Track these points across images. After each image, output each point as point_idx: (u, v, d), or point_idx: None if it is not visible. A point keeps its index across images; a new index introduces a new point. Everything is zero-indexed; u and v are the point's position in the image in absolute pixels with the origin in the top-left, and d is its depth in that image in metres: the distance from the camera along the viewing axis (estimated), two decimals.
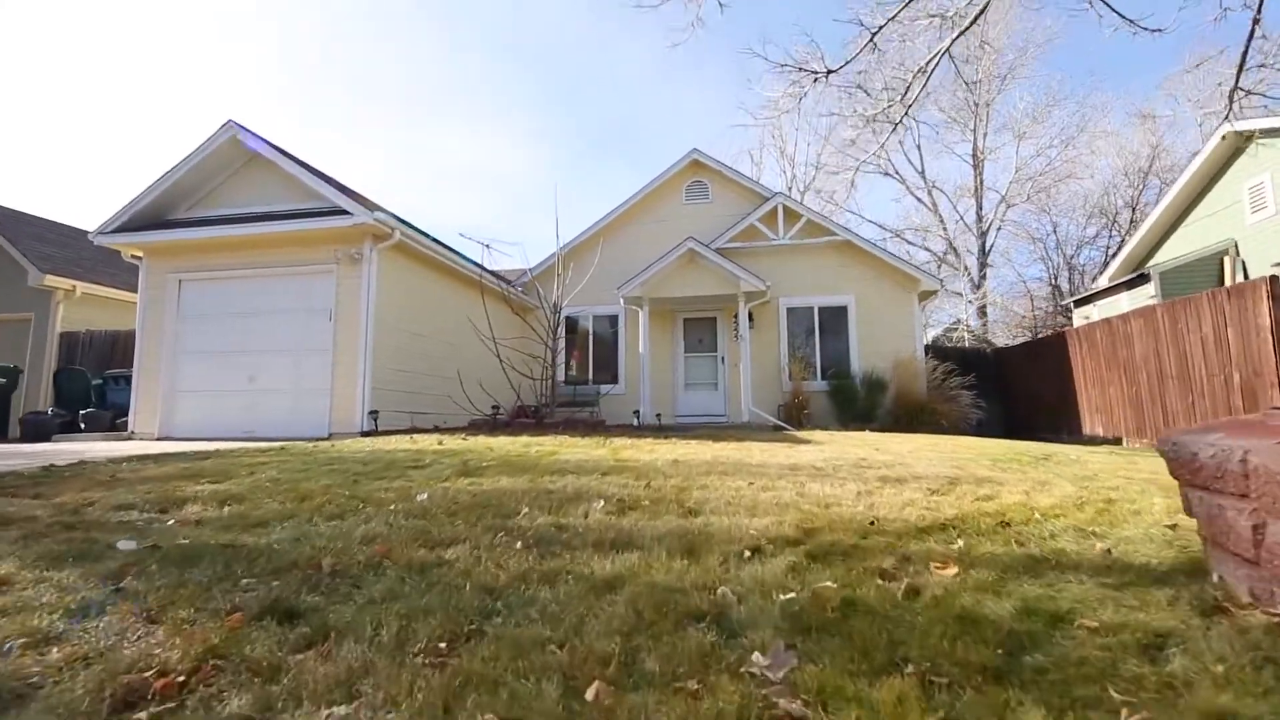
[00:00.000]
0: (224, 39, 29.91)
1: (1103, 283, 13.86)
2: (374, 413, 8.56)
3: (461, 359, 10.62)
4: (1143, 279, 11.26)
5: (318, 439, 8.47)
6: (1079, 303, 14.66)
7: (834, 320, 12.73)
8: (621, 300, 12.32)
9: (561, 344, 13.63)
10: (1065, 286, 26.64)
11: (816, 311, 12.76)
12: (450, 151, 39.47)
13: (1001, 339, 24.59)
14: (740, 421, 11.40)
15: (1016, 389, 12.81)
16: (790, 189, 26.59)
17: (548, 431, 8.03)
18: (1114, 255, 25.86)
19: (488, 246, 14.96)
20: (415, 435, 7.37)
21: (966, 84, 23.74)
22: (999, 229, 25.19)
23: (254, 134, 9.04)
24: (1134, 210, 24.90)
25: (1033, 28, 24.12)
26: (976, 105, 24.56)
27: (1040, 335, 24.67)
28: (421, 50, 35.41)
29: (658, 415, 11.64)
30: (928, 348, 12.82)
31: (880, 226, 26.73)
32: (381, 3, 30.84)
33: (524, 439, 6.32)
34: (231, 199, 9.56)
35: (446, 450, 5.35)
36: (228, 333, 9.24)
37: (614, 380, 13.43)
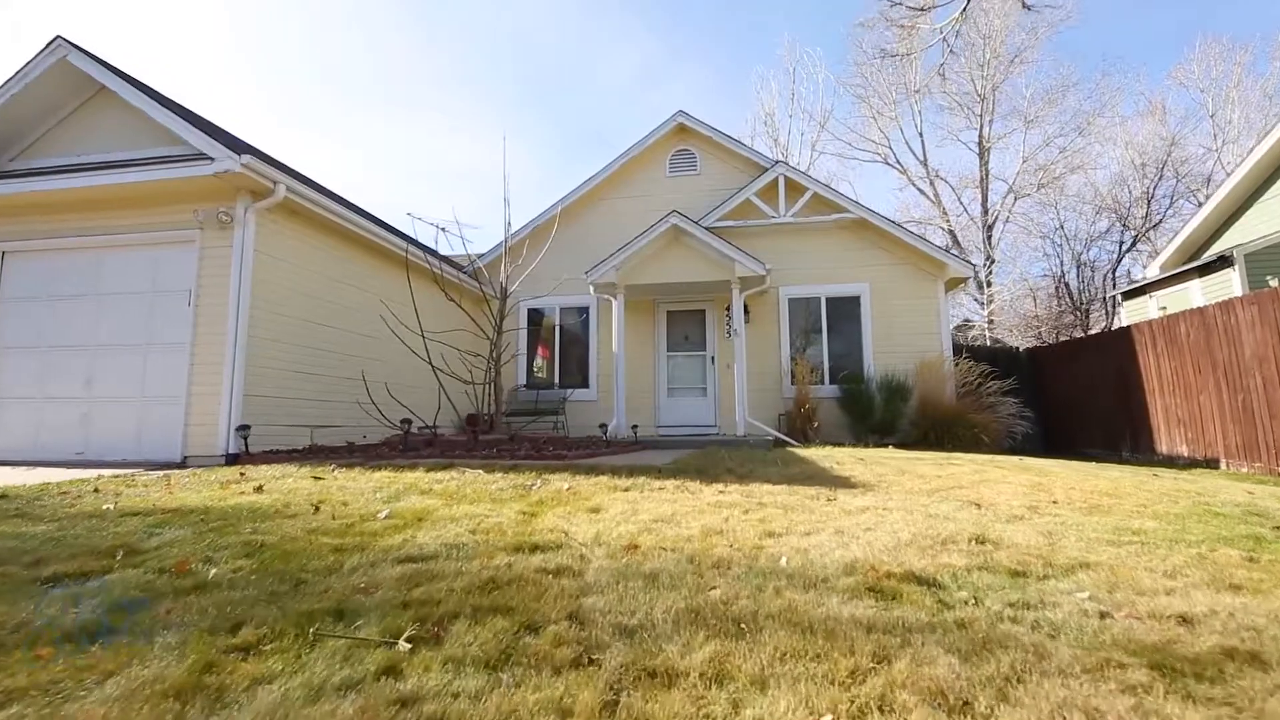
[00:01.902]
0: (196, 34, 27.38)
1: (1153, 272, 11.85)
2: (243, 428, 6.22)
3: (390, 360, 8.31)
4: (1222, 263, 9.23)
5: (168, 465, 6.15)
6: (1129, 294, 12.61)
7: (845, 313, 10.56)
8: (591, 289, 10.06)
9: (522, 341, 11.35)
10: (1074, 284, 24.77)
11: (824, 303, 10.58)
12: (431, 151, 37.09)
13: (1010, 339, 22.62)
14: (734, 435, 9.19)
15: (1055, 395, 10.70)
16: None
17: (474, 455, 5.74)
18: (1128, 250, 24.11)
19: (443, 229, 12.57)
20: (246, 469, 5.00)
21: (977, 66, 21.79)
22: (1006, 221, 23.23)
23: (88, 53, 6.68)
24: (1149, 203, 23.05)
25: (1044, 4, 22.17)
26: (983, 89, 22.60)
27: (1082, 332, 22.79)
28: (398, 47, 33.01)
29: (634, 428, 9.38)
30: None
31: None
32: (362, 2, 28.44)
33: (412, 476, 4.03)
34: (70, 147, 7.16)
35: (194, 511, 3.03)
36: (60, 322, 6.86)
37: (584, 384, 11.16)
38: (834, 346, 10.50)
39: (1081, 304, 24.45)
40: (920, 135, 23.83)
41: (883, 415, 9.71)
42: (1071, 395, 10.40)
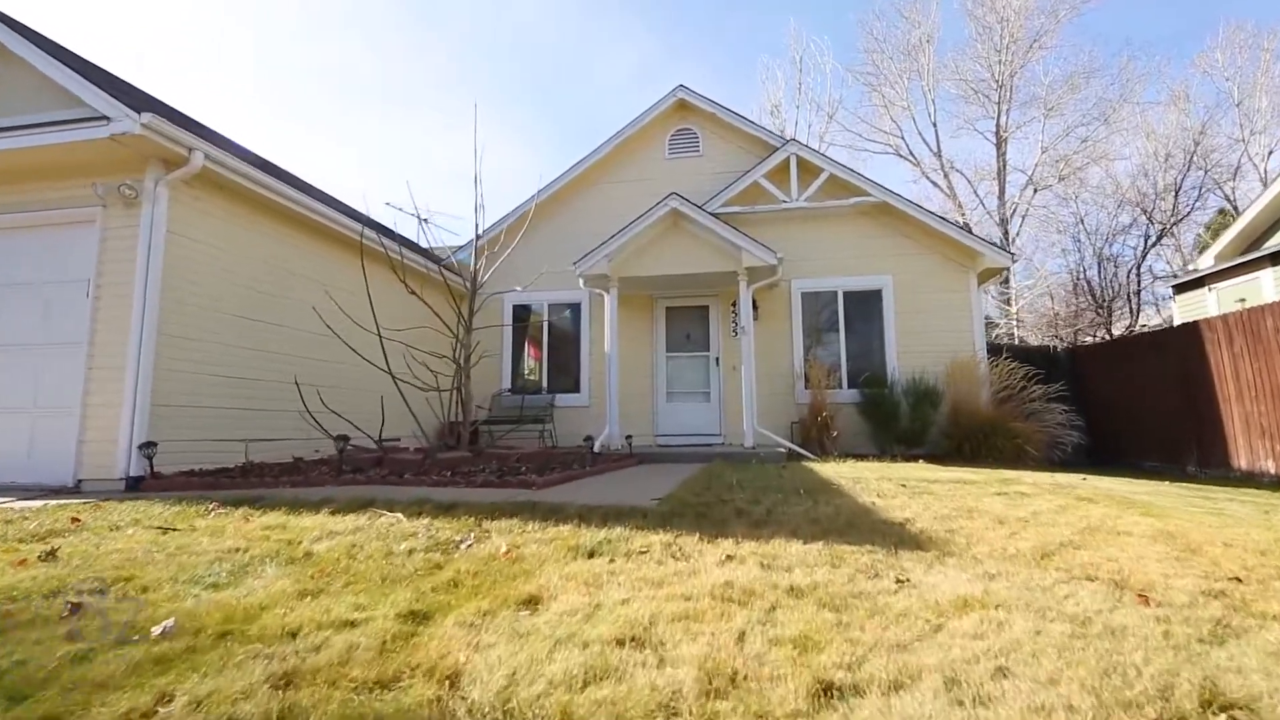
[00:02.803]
0: (195, 33, 26.36)
1: (1207, 262, 10.59)
2: (147, 446, 5.08)
3: (351, 362, 7.16)
4: None
5: (60, 490, 5.02)
6: (1181, 288, 11.33)
7: (865, 309, 9.35)
8: (581, 282, 8.90)
9: (507, 340, 10.20)
10: (1095, 280, 23.42)
11: (841, 297, 9.37)
12: (426, 149, 36.00)
13: (1028, 339, 21.33)
14: (741, 446, 8.01)
15: (1102, 400, 9.46)
16: None
17: (423, 478, 4.58)
18: (1153, 244, 22.74)
19: (425, 220, 11.53)
20: (108, 505, 3.81)
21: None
22: (1025, 215, 21.93)
23: None
24: (1176, 196, 21.70)
25: None
26: (1000, 75, 21.32)
27: (1105, 331, 21.47)
28: (396, 46, 31.90)
29: (628, 438, 8.19)
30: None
31: None
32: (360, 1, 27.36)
33: (301, 525, 2.85)
34: None
35: None
36: None
37: (574, 388, 9.99)
38: (853, 346, 9.29)
39: (1104, 301, 23.11)
40: (934, 125, 22.57)
41: (910, 423, 8.50)
42: (1122, 400, 9.16)
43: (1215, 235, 25.17)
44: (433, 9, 29.80)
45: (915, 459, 7.81)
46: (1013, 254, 8.56)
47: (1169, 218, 21.60)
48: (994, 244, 8.87)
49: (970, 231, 8.58)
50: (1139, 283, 22.14)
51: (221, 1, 25.81)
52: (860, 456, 8.00)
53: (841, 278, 9.36)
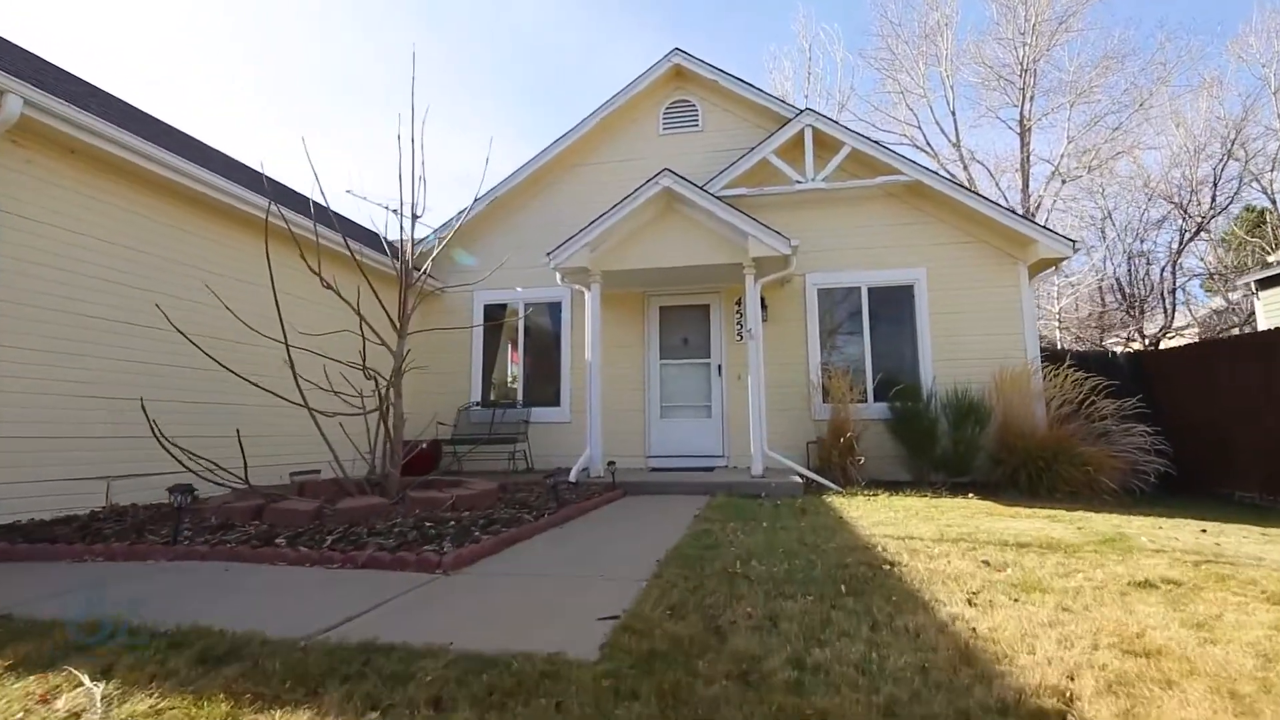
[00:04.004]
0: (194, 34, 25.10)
1: None
2: None
3: (262, 376, 5.71)
4: None
5: None
6: (1266, 283, 9.73)
7: (894, 307, 7.81)
8: (559, 278, 7.43)
9: (476, 345, 8.75)
10: (1124, 278, 21.72)
11: (865, 294, 7.84)
12: (425, 149, 34.64)
13: (1061, 342, 19.67)
14: (748, 474, 6.52)
15: (1178, 416, 7.86)
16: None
17: (298, 545, 3.12)
18: (1190, 240, 20.99)
19: (394, 211, 10.06)
20: None
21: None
22: (1051, 209, 20.27)
23: None
24: (1215, 188, 19.96)
25: None
26: (1024, 59, 19.70)
27: (1138, 333, 19.80)
28: (393, 46, 30.57)
29: (610, 465, 6.68)
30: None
31: None
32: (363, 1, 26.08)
33: None
34: None
35: None
36: None
37: (554, 400, 8.51)
38: (880, 352, 7.76)
39: (1134, 300, 21.40)
40: (952, 114, 20.93)
41: (951, 445, 6.96)
42: (1206, 417, 7.56)
43: (1250, 231, 23.40)
44: (433, 11, 28.47)
45: (962, 491, 6.29)
46: (1073, 242, 6.99)
47: (1208, 211, 19.88)
48: (1051, 231, 7.30)
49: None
50: (1174, 280, 20.43)
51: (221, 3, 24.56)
52: (893, 487, 6.48)
53: (866, 271, 7.84)
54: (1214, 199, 20.03)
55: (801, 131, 7.90)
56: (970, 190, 7.37)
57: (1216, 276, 21.57)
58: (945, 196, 7.53)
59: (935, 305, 7.63)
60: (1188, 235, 20.17)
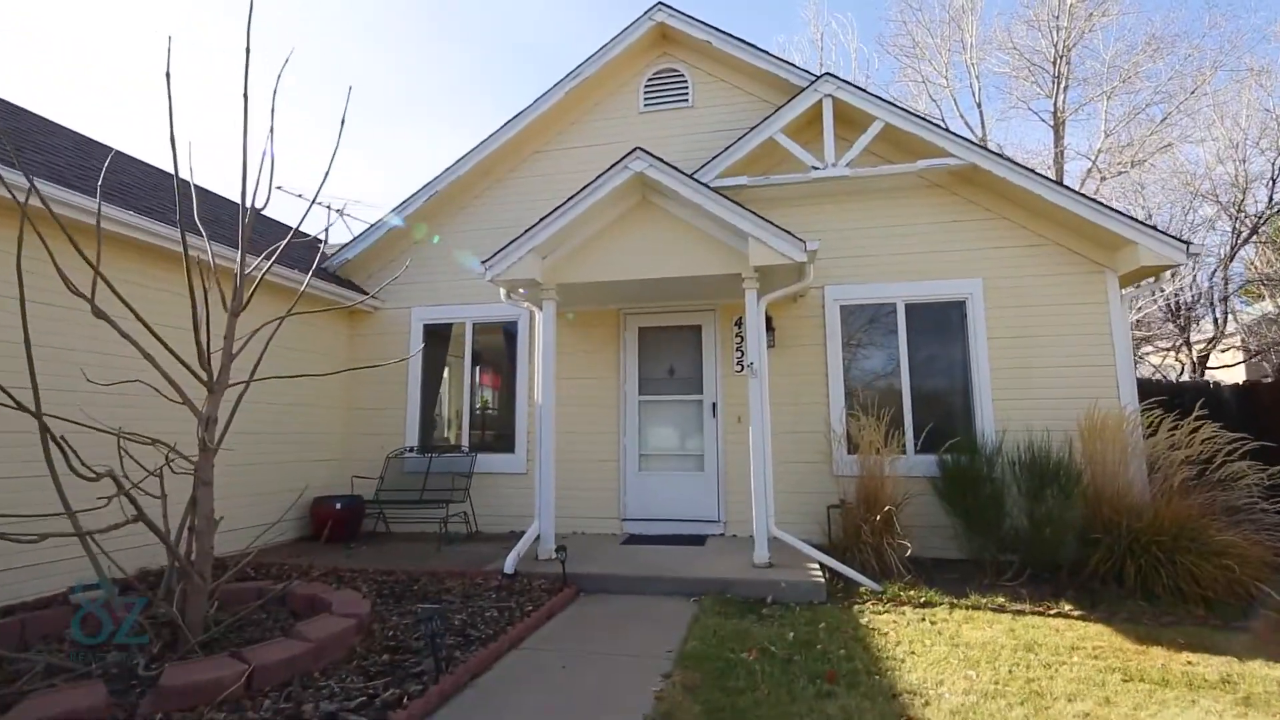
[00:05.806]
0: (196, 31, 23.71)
1: None
2: None
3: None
4: None
5: None
6: None
7: (941, 331, 5.97)
8: (502, 293, 5.64)
9: (413, 375, 6.99)
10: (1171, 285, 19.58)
11: (903, 313, 6.00)
12: (423, 149, 33.14)
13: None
14: (751, 563, 4.71)
15: None
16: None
17: None
18: (1243, 242, 18.86)
19: (339, 212, 8.50)
20: None
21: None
22: None
23: None
24: (1273, 184, 17.83)
25: None
26: (1058, 45, 17.74)
27: (1187, 347, 17.72)
28: (394, 47, 29.03)
29: (559, 552, 4.85)
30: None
31: None
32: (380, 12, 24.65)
33: None
34: None
35: None
36: None
37: (507, 446, 6.71)
38: (922, 389, 5.92)
39: (1180, 310, 19.28)
40: (978, 106, 19.02)
41: (1026, 522, 5.08)
42: None
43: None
44: (448, 20, 26.98)
45: (1049, 593, 4.42)
46: (1188, 244, 5.08)
47: (1266, 210, 17.76)
48: (1157, 229, 5.41)
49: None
50: (1225, 287, 18.33)
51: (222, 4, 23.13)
52: (948, 583, 4.62)
53: (903, 283, 5.99)
54: (1270, 198, 17.91)
55: (819, 104, 6.07)
56: (1045, 177, 5.49)
57: (1266, 281, 19.44)
58: (1009, 185, 5.66)
59: (995, 328, 5.76)
60: (1240, 236, 18.06)
